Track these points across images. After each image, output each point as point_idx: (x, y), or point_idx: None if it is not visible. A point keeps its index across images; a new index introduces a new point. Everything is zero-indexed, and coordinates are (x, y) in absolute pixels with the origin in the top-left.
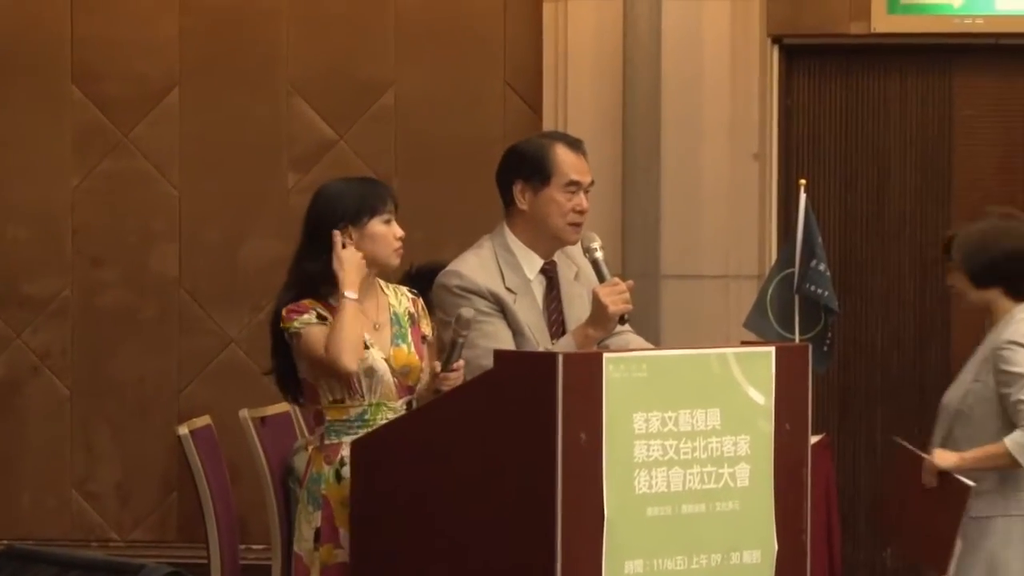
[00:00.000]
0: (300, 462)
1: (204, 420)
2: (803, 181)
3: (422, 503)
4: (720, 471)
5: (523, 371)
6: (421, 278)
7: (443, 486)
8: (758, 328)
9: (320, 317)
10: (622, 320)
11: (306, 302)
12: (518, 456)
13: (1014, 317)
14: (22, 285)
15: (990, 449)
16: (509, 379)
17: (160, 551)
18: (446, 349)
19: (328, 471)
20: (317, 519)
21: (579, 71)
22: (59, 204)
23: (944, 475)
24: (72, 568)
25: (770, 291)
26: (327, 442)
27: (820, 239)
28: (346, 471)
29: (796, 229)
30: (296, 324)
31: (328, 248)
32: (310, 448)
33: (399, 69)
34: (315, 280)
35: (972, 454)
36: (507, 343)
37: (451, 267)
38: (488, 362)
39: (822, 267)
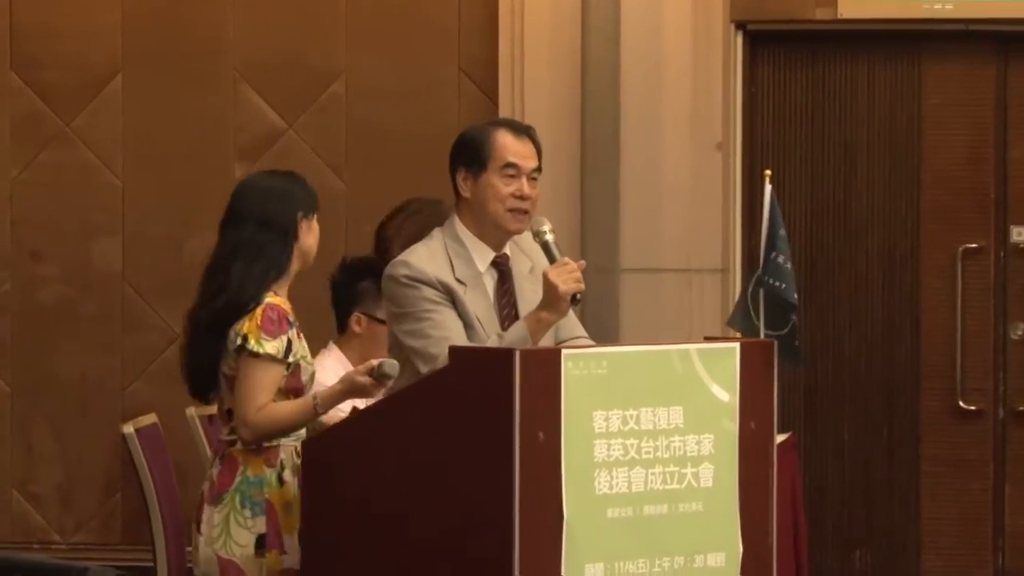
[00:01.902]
0: None
1: (150, 419)
2: (768, 172)
3: (376, 503)
4: (683, 471)
5: (479, 367)
6: (353, 270)
7: (397, 486)
8: (742, 326)
9: (286, 351)
10: (574, 300)
11: (282, 309)
12: (474, 456)
13: None
14: None
15: None
16: (464, 375)
17: (104, 553)
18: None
19: (270, 474)
20: (259, 525)
21: (536, 58)
22: None
23: None
24: (14, 571)
25: (750, 288)
26: (265, 444)
27: (783, 231)
28: (287, 474)
29: (761, 222)
30: (263, 347)
31: (285, 236)
32: (231, 449)
33: (350, 56)
34: (280, 263)
35: None
36: (458, 332)
37: (400, 258)
38: (439, 350)
39: (781, 259)
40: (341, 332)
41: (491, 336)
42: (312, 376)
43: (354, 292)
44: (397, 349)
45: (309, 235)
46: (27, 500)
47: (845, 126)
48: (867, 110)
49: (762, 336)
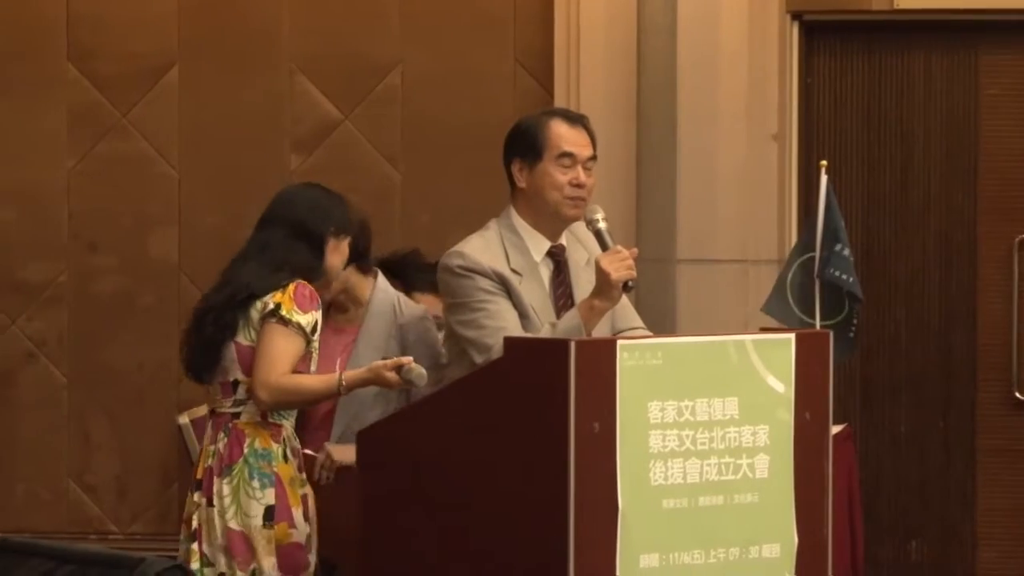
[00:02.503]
0: None
1: (205, 409)
2: (824, 163)
3: (430, 495)
4: (738, 462)
5: (534, 358)
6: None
7: (451, 478)
8: (778, 313)
9: (313, 329)
10: (626, 288)
11: (313, 289)
12: (528, 447)
13: None
14: (16, 271)
15: None
16: (519, 366)
17: (160, 544)
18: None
19: (277, 449)
20: (268, 496)
21: (592, 49)
22: (54, 187)
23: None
24: (68, 562)
25: (790, 276)
26: (271, 420)
27: (843, 222)
28: (290, 451)
29: (817, 212)
30: (294, 316)
31: (317, 248)
32: (236, 421)
33: (406, 47)
34: (305, 273)
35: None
36: (513, 323)
37: (455, 248)
38: (494, 341)
39: (846, 252)
40: None
41: (544, 325)
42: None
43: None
44: (452, 339)
45: (335, 254)
46: (83, 490)
47: (901, 116)
48: (923, 100)
49: (817, 327)
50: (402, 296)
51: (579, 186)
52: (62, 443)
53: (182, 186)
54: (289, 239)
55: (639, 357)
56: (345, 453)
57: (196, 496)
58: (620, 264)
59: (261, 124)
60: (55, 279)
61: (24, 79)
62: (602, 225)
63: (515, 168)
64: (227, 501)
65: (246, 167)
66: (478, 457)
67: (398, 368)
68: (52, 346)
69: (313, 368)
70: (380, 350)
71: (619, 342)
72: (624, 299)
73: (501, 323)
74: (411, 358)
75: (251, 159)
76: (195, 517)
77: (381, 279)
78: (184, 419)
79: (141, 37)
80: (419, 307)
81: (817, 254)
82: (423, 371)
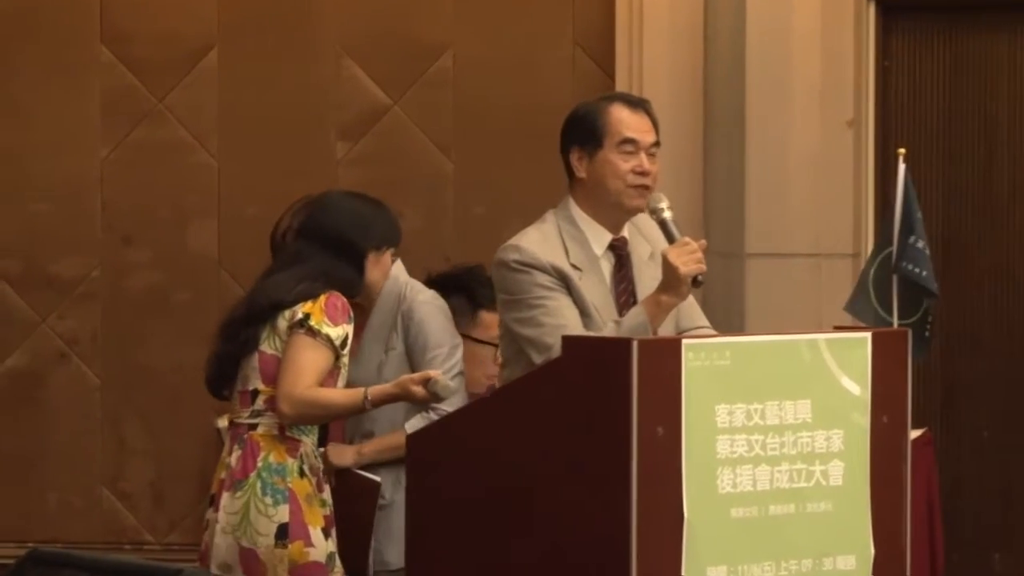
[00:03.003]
0: None
1: None
2: (902, 150)
3: (484, 500)
4: (811, 468)
5: (594, 358)
6: (440, 286)
7: (506, 484)
8: (860, 312)
9: (343, 343)
10: (695, 282)
11: (345, 301)
12: (589, 451)
13: None
14: (47, 265)
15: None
16: (578, 366)
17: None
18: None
19: (292, 464)
20: (281, 513)
21: (656, 30)
22: (87, 177)
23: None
24: (102, 573)
25: (872, 272)
26: (288, 434)
27: (919, 214)
28: (308, 468)
29: (894, 203)
30: (323, 328)
31: (357, 264)
32: (252, 433)
33: (458, 28)
34: (343, 287)
35: (372, 445)
36: (574, 320)
37: (510, 241)
38: (553, 340)
39: (920, 244)
40: None
41: (608, 324)
42: (347, 387)
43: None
44: (508, 338)
45: (375, 269)
46: (118, 498)
47: (984, 101)
48: (1008, 84)
49: (895, 325)
50: (414, 283)
51: (642, 174)
52: (95, 448)
53: (221, 176)
54: (328, 253)
55: (706, 357)
56: (342, 456)
57: (209, 512)
58: (689, 257)
59: (305, 110)
60: (88, 274)
61: (55, 63)
62: (667, 215)
63: (574, 157)
64: (236, 519)
65: (289, 156)
66: (535, 461)
67: (425, 382)
68: (85, 345)
69: (341, 384)
70: (383, 341)
71: (684, 341)
72: (689, 296)
73: (561, 321)
74: (439, 371)
75: (295, 147)
76: (205, 536)
77: (396, 268)
78: (223, 423)
79: (179, 18)
80: (427, 292)
81: (894, 248)
82: (449, 383)
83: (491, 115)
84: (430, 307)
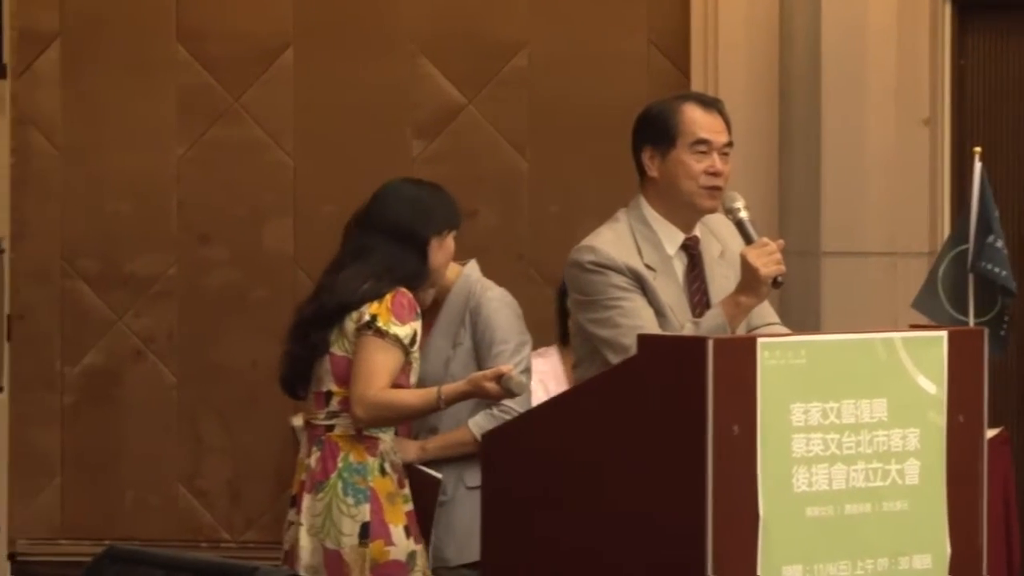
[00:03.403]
0: None
1: None
2: (978, 149)
3: (559, 499)
4: (887, 467)
5: (669, 356)
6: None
7: (582, 481)
8: (928, 309)
9: (411, 340)
10: (775, 284)
11: (412, 298)
12: (663, 450)
13: None
14: (124, 264)
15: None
16: (654, 365)
17: (275, 552)
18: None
19: (373, 463)
20: (363, 512)
21: (731, 28)
22: (163, 175)
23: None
24: (179, 570)
25: (942, 269)
26: (366, 433)
27: (997, 212)
28: (388, 466)
29: (970, 201)
30: (391, 328)
31: (420, 251)
32: (329, 434)
33: (533, 27)
34: (409, 279)
35: (436, 442)
36: (650, 321)
37: (584, 242)
38: (631, 341)
39: (999, 243)
40: (564, 344)
41: (685, 325)
42: (417, 382)
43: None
44: (582, 337)
45: (439, 253)
46: (194, 496)
47: None
48: None
49: (970, 323)
50: (485, 281)
51: (715, 174)
52: (172, 446)
53: (297, 174)
54: (390, 243)
55: (781, 356)
56: (405, 451)
57: (291, 514)
58: (769, 259)
59: (380, 108)
60: (164, 272)
61: (132, 62)
62: (744, 215)
63: (646, 156)
64: (319, 520)
65: (365, 154)
66: (609, 460)
67: (497, 378)
68: (161, 343)
69: (414, 379)
70: (451, 337)
71: (760, 340)
72: None
73: (638, 322)
74: (511, 366)
75: (370, 145)
76: (287, 537)
77: (469, 266)
78: (298, 421)
79: (254, 17)
80: (497, 289)
81: (971, 246)
82: (523, 380)
83: (566, 113)
84: (498, 303)
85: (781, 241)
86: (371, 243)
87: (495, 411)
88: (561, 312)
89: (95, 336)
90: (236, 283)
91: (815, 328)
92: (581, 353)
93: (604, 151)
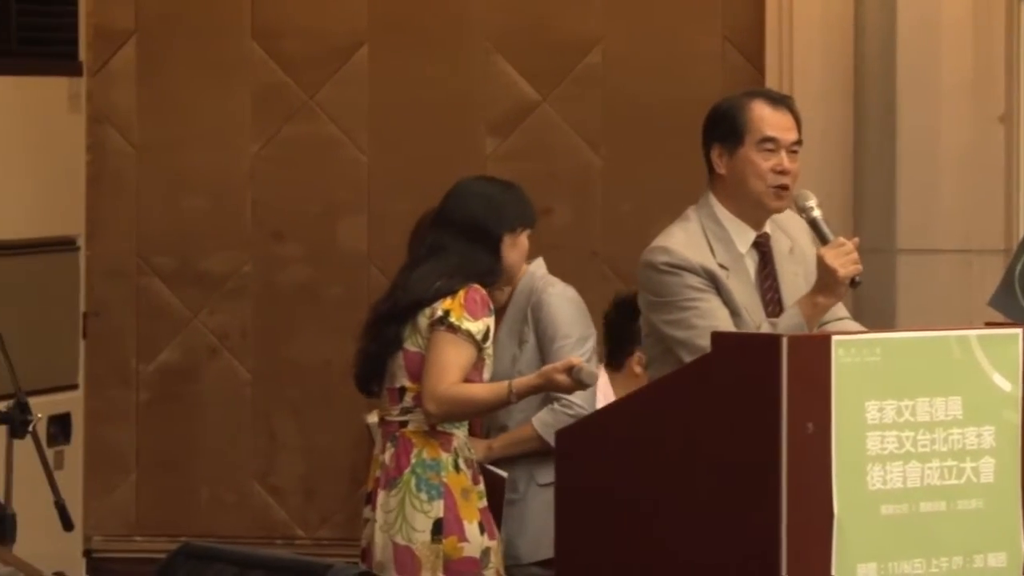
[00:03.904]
0: None
1: None
2: None
3: (633, 497)
4: (962, 465)
5: (744, 354)
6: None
7: (656, 479)
8: (1004, 307)
9: (484, 336)
10: (853, 284)
11: (485, 294)
12: (737, 447)
13: None
14: (198, 261)
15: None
16: (728, 362)
17: (349, 549)
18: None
19: (447, 458)
20: (436, 508)
21: (806, 24)
22: (238, 172)
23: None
24: (253, 567)
25: (1019, 267)
26: (440, 429)
27: None
28: (462, 462)
29: None
30: (464, 324)
31: (493, 249)
32: (403, 430)
33: (607, 25)
34: (482, 276)
35: (501, 440)
36: (725, 321)
37: (657, 242)
38: (706, 342)
39: None
40: (612, 368)
41: (762, 325)
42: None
43: (632, 330)
44: (655, 338)
45: (513, 251)
46: (269, 493)
47: None
48: None
49: None
50: (549, 278)
51: (783, 173)
52: (246, 443)
53: (371, 171)
54: (463, 241)
55: (856, 353)
56: (473, 450)
57: (367, 511)
58: (846, 259)
59: (454, 106)
60: (238, 270)
61: (207, 59)
62: (817, 213)
63: (714, 154)
64: (392, 516)
65: (438, 151)
66: (683, 458)
67: (568, 370)
68: (235, 340)
69: (487, 375)
70: (516, 335)
71: (835, 337)
72: None
73: (713, 322)
74: (581, 358)
75: (444, 143)
76: (363, 535)
77: (535, 264)
78: (372, 418)
79: (329, 15)
80: (559, 284)
81: None
82: (594, 370)
83: (639, 111)
84: (559, 298)
85: (856, 239)
86: (445, 240)
87: (557, 406)
88: (609, 339)
89: (170, 333)
90: (310, 280)
91: (890, 326)
92: (653, 353)
93: (678, 148)
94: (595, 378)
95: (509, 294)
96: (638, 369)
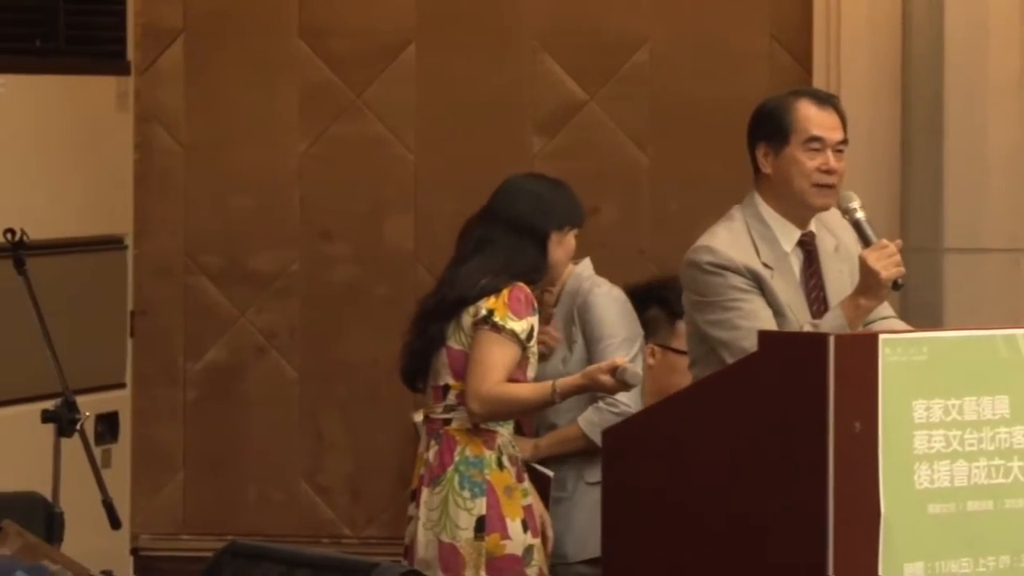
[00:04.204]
0: None
1: None
2: None
3: (679, 496)
4: (1009, 464)
5: (790, 354)
6: (639, 298)
7: (702, 478)
8: None
9: (528, 335)
10: (896, 286)
11: (529, 292)
12: (784, 446)
13: None
14: (246, 260)
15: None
16: (775, 363)
17: (396, 548)
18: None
19: (490, 456)
20: (479, 506)
21: (853, 22)
22: (285, 171)
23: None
24: (300, 566)
25: None
26: (483, 427)
27: None
28: (506, 459)
29: None
30: (508, 323)
31: (540, 246)
32: (447, 428)
33: (654, 23)
34: (527, 273)
35: (547, 439)
36: (769, 322)
37: (701, 242)
38: (749, 343)
39: None
40: None
41: (804, 326)
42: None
43: (644, 321)
44: (697, 339)
45: (559, 249)
46: (316, 492)
47: None
48: None
49: None
50: (595, 279)
51: (828, 172)
52: (293, 442)
53: (418, 170)
54: (511, 237)
55: (903, 352)
56: (520, 449)
57: (411, 509)
58: (888, 261)
59: (501, 105)
60: (286, 269)
61: (254, 58)
62: (860, 215)
63: (760, 152)
64: (435, 514)
65: (485, 150)
66: (729, 457)
67: (612, 370)
68: (283, 339)
69: (531, 374)
70: (565, 337)
71: (882, 336)
72: None
73: (756, 324)
74: (625, 358)
75: (491, 141)
76: (407, 532)
77: (582, 266)
78: (419, 417)
79: (376, 13)
80: (604, 285)
81: None
82: (638, 371)
83: (687, 110)
84: (604, 298)
85: (899, 241)
86: (492, 236)
87: (603, 405)
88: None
89: (217, 332)
90: (357, 279)
91: (937, 325)
92: (697, 353)
93: (725, 147)
94: (639, 379)
95: (557, 295)
96: (650, 360)
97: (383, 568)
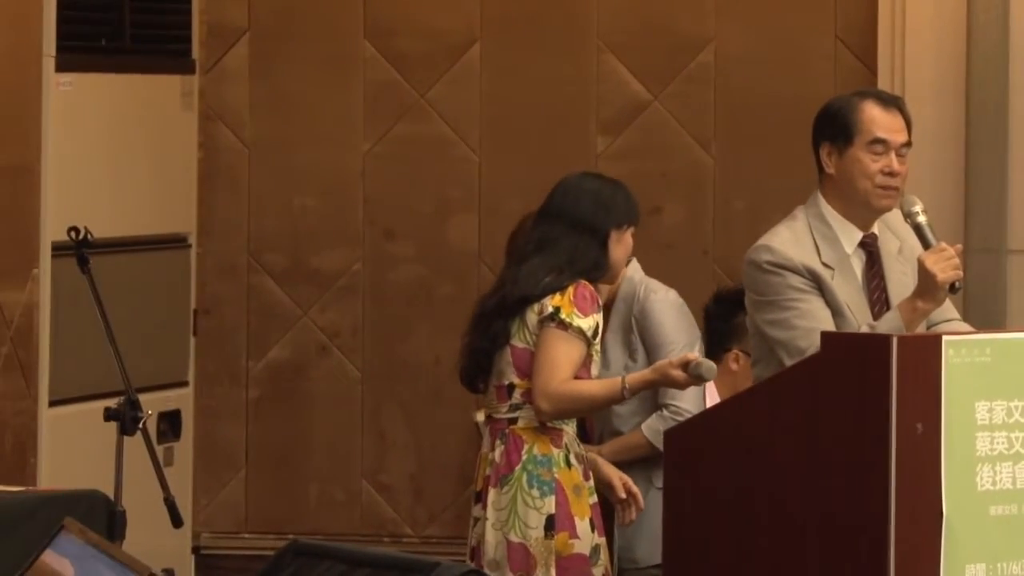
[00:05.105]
0: None
1: None
2: None
3: (740, 497)
4: None
5: (853, 355)
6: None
7: (763, 479)
8: None
9: (594, 332)
10: (953, 289)
11: (594, 290)
12: (846, 448)
13: None
14: (310, 258)
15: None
16: (837, 364)
17: (457, 547)
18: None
19: (558, 454)
20: (548, 505)
21: (918, 24)
22: (349, 171)
23: None
24: (361, 565)
25: None
26: (549, 425)
27: None
28: (574, 457)
29: None
30: (574, 320)
31: (600, 244)
32: (513, 427)
33: (720, 23)
34: (589, 271)
35: (610, 446)
36: (827, 322)
37: (762, 241)
38: (807, 343)
39: None
40: None
41: (862, 327)
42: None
43: (731, 327)
44: (758, 338)
45: (618, 247)
46: (378, 491)
47: None
48: None
49: None
50: (649, 283)
51: (891, 174)
52: (356, 441)
53: (483, 170)
54: (572, 236)
55: (966, 354)
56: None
57: (476, 510)
58: (946, 264)
59: (566, 105)
60: (349, 267)
61: (319, 57)
62: (922, 219)
63: (824, 153)
64: (504, 514)
65: (550, 150)
66: (790, 458)
67: (684, 365)
68: (346, 338)
69: (595, 372)
70: (625, 345)
71: (945, 338)
72: None
73: (814, 324)
74: (696, 353)
75: (555, 141)
76: (472, 534)
77: (632, 267)
78: (481, 416)
79: (442, 13)
80: (660, 290)
81: None
82: (712, 365)
83: (752, 110)
84: (662, 304)
85: (959, 245)
86: (553, 235)
87: (666, 412)
88: (709, 335)
89: (280, 331)
90: (421, 279)
91: (1000, 326)
92: (758, 353)
93: (790, 147)
94: (714, 372)
95: (611, 298)
96: (734, 366)
97: (444, 567)
